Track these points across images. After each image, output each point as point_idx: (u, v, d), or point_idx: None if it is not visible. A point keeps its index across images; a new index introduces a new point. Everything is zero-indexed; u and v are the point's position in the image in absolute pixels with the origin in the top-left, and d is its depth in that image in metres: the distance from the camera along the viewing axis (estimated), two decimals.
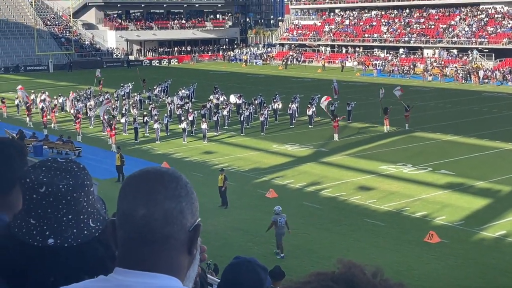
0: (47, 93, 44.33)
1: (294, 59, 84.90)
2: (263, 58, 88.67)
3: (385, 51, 79.37)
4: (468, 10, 77.21)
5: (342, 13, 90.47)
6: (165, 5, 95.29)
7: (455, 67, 67.13)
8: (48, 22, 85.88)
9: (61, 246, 1.72)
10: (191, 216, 1.59)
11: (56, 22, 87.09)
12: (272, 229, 18.55)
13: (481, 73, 63.03)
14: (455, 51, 72.39)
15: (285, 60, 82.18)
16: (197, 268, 1.66)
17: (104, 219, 1.82)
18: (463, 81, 62.38)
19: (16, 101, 43.51)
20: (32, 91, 47.38)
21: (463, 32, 73.96)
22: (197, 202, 1.63)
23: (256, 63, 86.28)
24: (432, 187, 25.13)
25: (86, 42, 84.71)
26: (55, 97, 43.73)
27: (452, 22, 76.72)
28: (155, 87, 49.91)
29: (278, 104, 40.29)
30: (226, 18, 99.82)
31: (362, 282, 1.35)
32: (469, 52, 70.72)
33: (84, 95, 45.29)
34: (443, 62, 70.31)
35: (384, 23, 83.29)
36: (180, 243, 1.57)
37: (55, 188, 1.72)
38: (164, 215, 1.54)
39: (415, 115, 37.95)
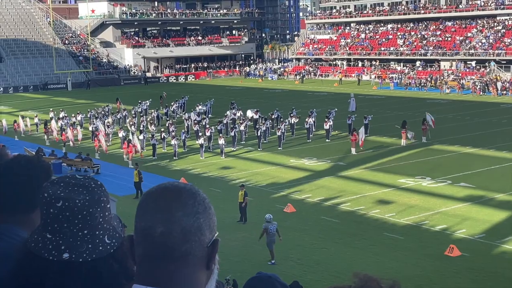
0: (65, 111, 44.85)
1: (311, 73, 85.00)
2: (278, 73, 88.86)
3: (402, 64, 79.19)
4: (485, 22, 76.83)
5: (358, 27, 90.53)
6: (181, 22, 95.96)
7: (472, 79, 66.69)
8: (66, 41, 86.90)
9: (76, 261, 1.72)
10: (209, 232, 1.59)
11: (74, 41, 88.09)
12: (265, 236, 18.66)
13: (499, 84, 62.57)
14: (473, 63, 71.94)
15: (299, 75, 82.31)
16: (215, 282, 1.65)
17: (120, 236, 1.83)
18: (481, 93, 61.94)
19: (35, 120, 44.08)
20: (51, 109, 47.93)
21: (480, 44, 73.56)
22: (215, 217, 1.63)
23: (272, 78, 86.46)
24: (451, 200, 24.88)
25: (104, 60, 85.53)
26: (73, 115, 44.13)
27: (469, 34, 76.36)
28: (172, 104, 50.22)
29: (295, 118, 40.36)
30: (242, 34, 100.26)
31: None
32: (486, 63, 70.25)
33: (102, 112, 45.72)
34: (460, 74, 69.93)
35: (400, 36, 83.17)
36: (199, 259, 1.57)
37: (71, 202, 1.73)
38: (182, 232, 1.54)
39: (433, 128, 37.65)
